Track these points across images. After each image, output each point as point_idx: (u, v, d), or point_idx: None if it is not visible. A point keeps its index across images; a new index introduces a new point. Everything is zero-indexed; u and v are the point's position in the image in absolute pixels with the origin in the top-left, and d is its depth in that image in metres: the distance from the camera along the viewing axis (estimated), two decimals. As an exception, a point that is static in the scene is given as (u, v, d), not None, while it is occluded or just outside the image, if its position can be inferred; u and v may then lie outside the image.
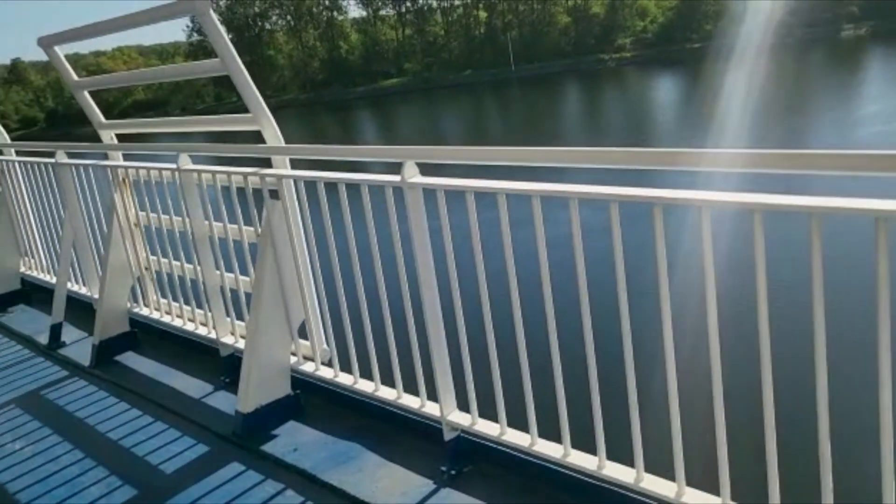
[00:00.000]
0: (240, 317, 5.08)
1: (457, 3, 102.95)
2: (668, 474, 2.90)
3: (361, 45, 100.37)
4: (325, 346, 4.56)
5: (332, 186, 3.97)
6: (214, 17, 4.12)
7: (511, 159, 3.18)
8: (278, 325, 4.54)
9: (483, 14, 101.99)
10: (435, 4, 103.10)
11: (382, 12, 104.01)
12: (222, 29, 4.17)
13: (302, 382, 4.65)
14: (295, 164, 4.43)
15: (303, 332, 4.61)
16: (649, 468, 2.98)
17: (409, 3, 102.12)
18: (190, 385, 5.23)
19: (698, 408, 3.37)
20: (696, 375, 3.46)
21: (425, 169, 3.59)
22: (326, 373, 4.50)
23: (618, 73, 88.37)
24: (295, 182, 4.29)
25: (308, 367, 4.59)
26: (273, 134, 4.36)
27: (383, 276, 3.93)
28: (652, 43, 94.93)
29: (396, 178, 3.57)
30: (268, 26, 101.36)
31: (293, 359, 4.65)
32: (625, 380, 2.92)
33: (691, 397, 3.62)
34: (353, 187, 3.85)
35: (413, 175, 3.54)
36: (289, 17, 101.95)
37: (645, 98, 72.82)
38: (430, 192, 3.53)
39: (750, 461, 3.40)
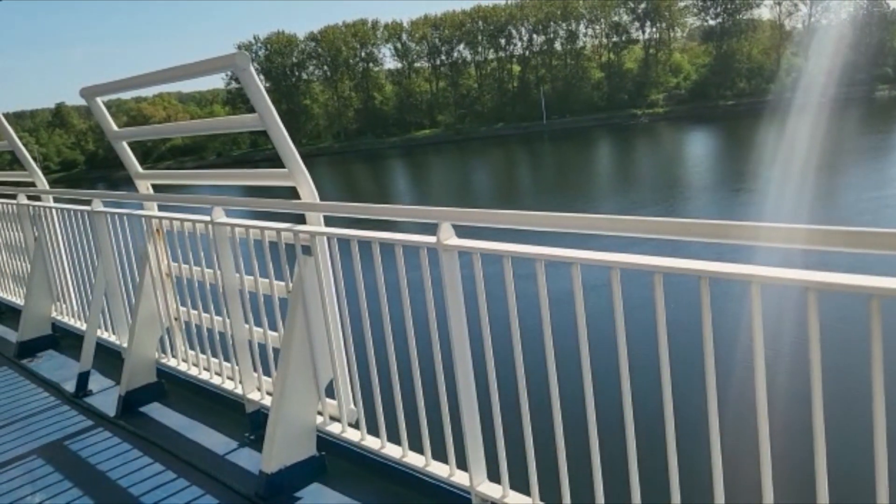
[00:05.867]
0: (266, 372, 5.00)
1: (490, 56, 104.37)
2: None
3: (395, 97, 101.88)
4: (352, 406, 4.45)
5: (365, 245, 3.90)
6: (254, 72, 4.13)
7: (551, 225, 3.10)
8: (306, 383, 4.45)
9: (516, 68, 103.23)
10: (469, 58, 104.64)
11: (417, 65, 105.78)
12: (261, 84, 4.17)
13: (327, 443, 4.53)
14: (329, 220, 4.38)
15: (330, 392, 4.51)
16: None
17: (443, 57, 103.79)
18: (214, 440, 5.13)
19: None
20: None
21: (459, 228, 3.52)
22: (353, 435, 4.39)
23: (650, 128, 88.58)
24: (328, 239, 4.24)
25: (334, 427, 4.48)
26: (308, 190, 4.33)
27: (415, 337, 3.83)
28: (685, 99, 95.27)
29: (432, 238, 3.50)
30: (304, 76, 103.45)
31: (319, 418, 4.54)
32: (665, 455, 2.78)
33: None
34: (387, 246, 3.79)
35: (449, 237, 3.47)
36: (325, 68, 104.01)
37: (678, 153, 72.81)
38: (464, 254, 3.45)
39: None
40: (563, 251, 2.99)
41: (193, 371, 5.70)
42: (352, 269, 4.03)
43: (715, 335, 2.54)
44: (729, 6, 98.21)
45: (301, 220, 4.46)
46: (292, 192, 4.45)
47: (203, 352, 5.60)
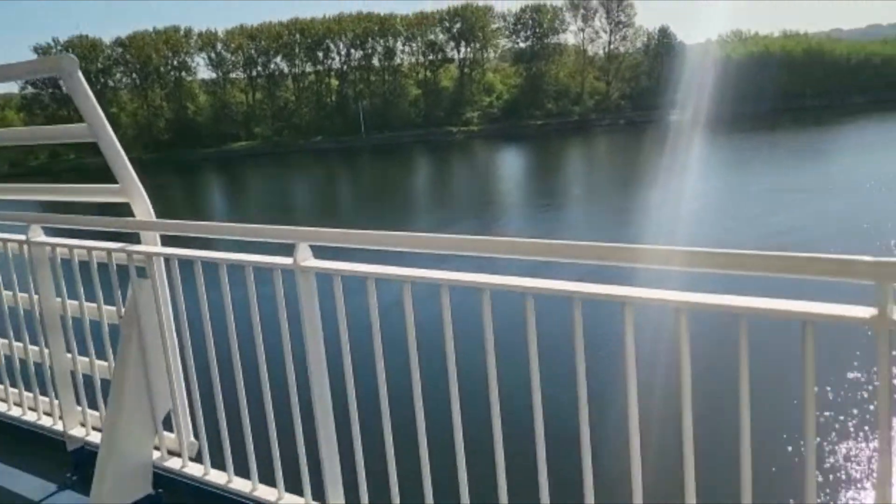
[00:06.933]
0: (93, 405, 4.58)
1: (308, 69, 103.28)
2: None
3: (210, 107, 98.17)
4: (192, 439, 4.16)
5: (212, 266, 3.67)
6: (82, 77, 3.77)
7: (417, 246, 3.04)
8: (141, 415, 4.12)
9: (335, 82, 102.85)
10: (286, 70, 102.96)
11: (233, 75, 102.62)
12: (90, 91, 3.82)
13: (166, 480, 4.21)
14: (167, 240, 4.09)
15: (169, 424, 4.20)
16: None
17: (260, 68, 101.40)
18: (28, 485, 4.60)
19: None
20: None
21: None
22: (195, 469, 4.10)
23: (466, 145, 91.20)
24: (167, 260, 3.95)
25: (173, 462, 4.17)
26: (144, 207, 4.02)
27: (266, 364, 3.64)
28: (498, 118, 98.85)
29: (288, 260, 3.34)
30: (111, 83, 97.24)
31: (156, 453, 4.22)
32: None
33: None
34: (236, 268, 3.58)
35: (306, 258, 3.32)
36: (134, 75, 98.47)
37: (491, 170, 75.45)
38: (323, 276, 3.32)
39: None
40: (431, 272, 2.94)
41: (2, 407, 5.12)
42: (195, 292, 3.77)
43: (589, 354, 2.59)
44: (538, 30, 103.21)
45: (135, 239, 4.13)
46: (125, 211, 4.11)
47: (14, 385, 5.05)
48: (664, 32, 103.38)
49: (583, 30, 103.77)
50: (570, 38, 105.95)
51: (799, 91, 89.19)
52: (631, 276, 2.54)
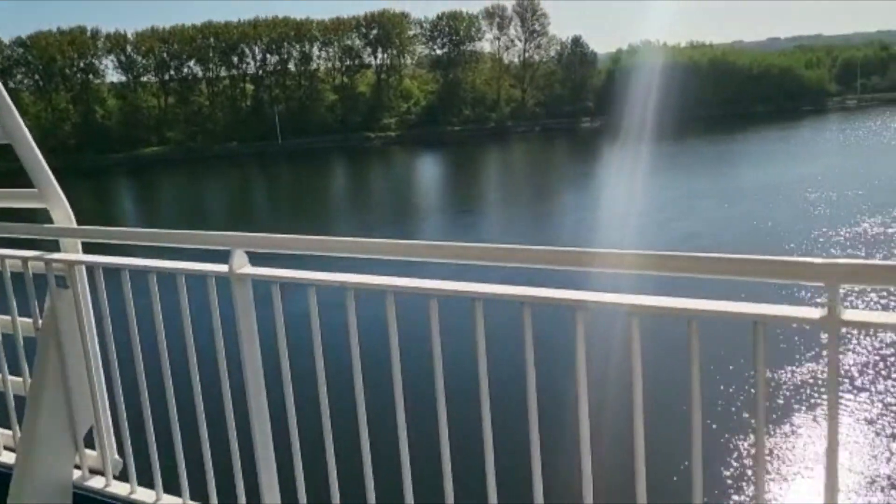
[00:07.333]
0: (5, 424, 4.31)
1: (223, 74, 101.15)
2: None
3: (120, 111, 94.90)
4: (116, 456, 3.97)
5: (140, 275, 3.49)
6: (-5, 78, 3.54)
7: (360, 251, 2.97)
8: (60, 433, 3.90)
9: (250, 87, 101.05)
10: (200, 74, 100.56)
11: (144, 79, 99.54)
12: (4, 91, 3.60)
13: (88, 500, 3.99)
14: (89, 248, 3.88)
15: (91, 442, 3.99)
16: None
17: (172, 72, 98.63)
18: None
19: None
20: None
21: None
22: (120, 488, 3.91)
23: (383, 151, 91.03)
24: (90, 269, 3.75)
25: (96, 482, 3.96)
26: (64, 213, 3.81)
27: (198, 375, 3.50)
28: (415, 124, 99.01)
29: (223, 267, 3.21)
30: (11, 84, 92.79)
31: (77, 473, 4.00)
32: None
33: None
34: (167, 276, 3.42)
35: (242, 265, 3.20)
36: (37, 77, 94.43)
37: (409, 176, 75.62)
38: (260, 283, 3.21)
39: None
40: (375, 279, 2.87)
41: None
42: (122, 302, 3.59)
43: (542, 359, 2.57)
44: (454, 37, 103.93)
45: (54, 247, 3.91)
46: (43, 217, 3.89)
47: None
48: (577, 42, 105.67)
49: (498, 38, 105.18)
50: (486, 45, 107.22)
51: (706, 100, 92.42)
52: (583, 280, 2.53)
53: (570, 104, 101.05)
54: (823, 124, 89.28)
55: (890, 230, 35.97)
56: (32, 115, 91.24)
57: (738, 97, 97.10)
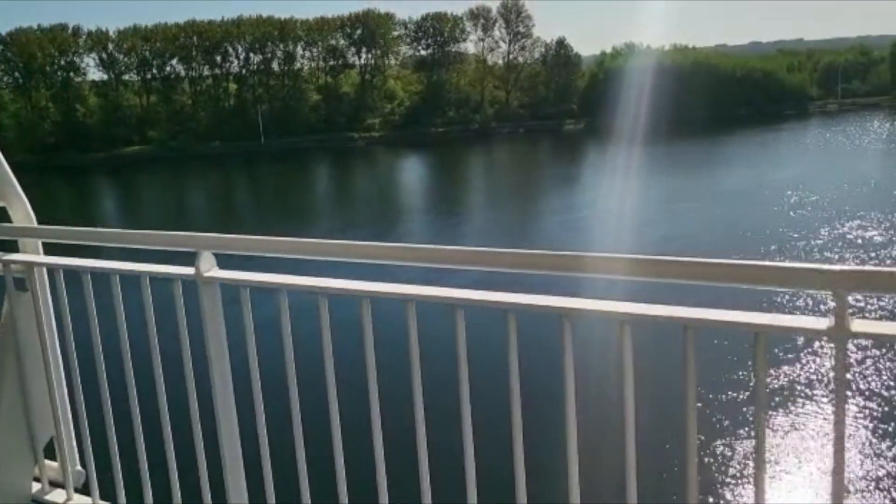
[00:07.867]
0: None
1: (206, 73, 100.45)
2: None
3: (101, 109, 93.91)
4: (79, 467, 3.78)
5: (102, 277, 3.31)
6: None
7: (335, 254, 2.80)
8: (17, 445, 3.71)
9: (233, 86, 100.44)
10: (183, 73, 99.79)
11: (125, 77, 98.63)
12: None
13: None
14: (50, 248, 3.69)
15: (51, 452, 3.79)
16: None
17: (154, 71, 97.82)
18: None
19: None
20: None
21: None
22: (81, 501, 3.72)
23: (367, 151, 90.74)
24: (50, 271, 3.56)
25: (56, 495, 3.78)
26: (23, 212, 3.62)
27: (164, 382, 3.32)
28: (399, 124, 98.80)
29: (189, 270, 3.03)
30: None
31: (36, 486, 3.81)
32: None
33: None
34: (131, 279, 3.24)
35: (210, 268, 3.02)
36: (16, 74, 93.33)
37: (393, 177, 75.44)
38: (228, 287, 3.03)
39: None
40: (350, 283, 2.71)
41: None
42: (84, 306, 3.40)
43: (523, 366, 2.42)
44: (439, 38, 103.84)
45: (12, 247, 3.71)
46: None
47: None
48: (561, 44, 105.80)
49: (483, 39, 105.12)
50: (470, 46, 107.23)
51: (689, 102, 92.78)
52: (573, 284, 2.38)
53: (554, 106, 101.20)
54: (805, 128, 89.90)
55: (869, 233, 36.19)
56: (11, 112, 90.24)
57: (721, 100, 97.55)
